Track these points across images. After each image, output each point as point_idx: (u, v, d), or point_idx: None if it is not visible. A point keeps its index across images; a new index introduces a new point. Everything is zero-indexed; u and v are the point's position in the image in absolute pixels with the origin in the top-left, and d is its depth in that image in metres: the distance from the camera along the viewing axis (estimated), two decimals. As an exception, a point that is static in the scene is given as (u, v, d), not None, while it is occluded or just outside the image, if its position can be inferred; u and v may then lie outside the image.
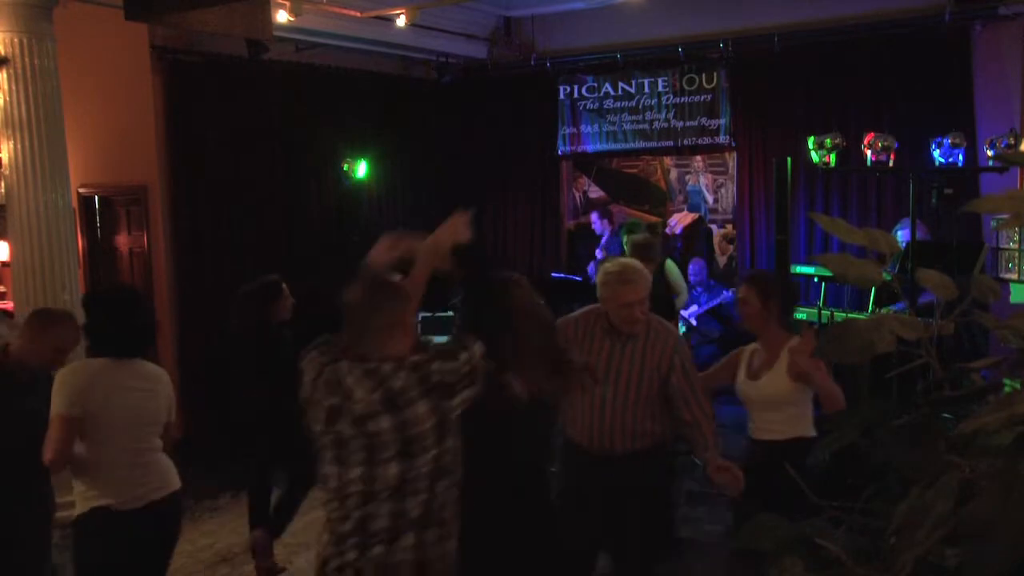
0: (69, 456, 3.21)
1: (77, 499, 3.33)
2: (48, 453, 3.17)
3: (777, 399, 3.58)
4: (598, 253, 8.61)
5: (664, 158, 10.08)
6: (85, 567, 3.33)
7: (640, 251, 5.48)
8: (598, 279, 3.74)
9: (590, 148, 9.21)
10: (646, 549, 3.70)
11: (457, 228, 2.80)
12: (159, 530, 3.42)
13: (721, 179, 10.17)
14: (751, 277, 3.89)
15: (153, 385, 3.45)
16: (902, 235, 6.37)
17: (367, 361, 2.43)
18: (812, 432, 3.58)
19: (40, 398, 3.42)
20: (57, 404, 3.20)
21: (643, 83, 8.79)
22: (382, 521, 2.41)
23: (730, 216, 9.83)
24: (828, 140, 5.96)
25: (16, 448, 3.38)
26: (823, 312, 6.69)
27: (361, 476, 2.40)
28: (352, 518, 2.43)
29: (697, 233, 10.03)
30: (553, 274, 8.94)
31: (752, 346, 3.77)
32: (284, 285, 5.15)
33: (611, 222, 9.17)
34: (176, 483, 3.51)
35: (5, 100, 5.59)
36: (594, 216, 9.31)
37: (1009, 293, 6.38)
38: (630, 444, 3.57)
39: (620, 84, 8.89)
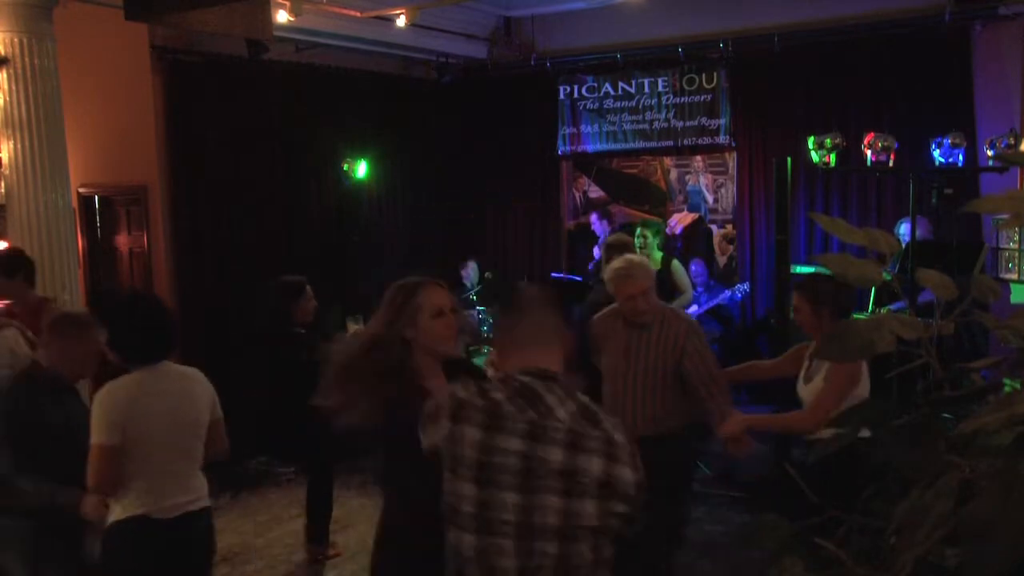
0: (113, 483, 3.14)
1: (112, 505, 3.24)
2: (91, 482, 3.10)
3: None
4: (596, 253, 8.62)
5: (664, 158, 10.07)
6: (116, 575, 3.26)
7: (612, 252, 5.48)
8: (605, 276, 4.00)
9: (590, 148, 9.21)
10: (660, 528, 3.84)
11: None
12: (191, 543, 3.32)
13: (721, 179, 10.16)
14: (801, 284, 3.91)
15: (188, 385, 3.36)
16: (906, 228, 6.36)
17: (554, 380, 2.17)
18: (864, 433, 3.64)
19: (74, 407, 3.42)
20: (97, 433, 3.10)
21: (643, 83, 8.79)
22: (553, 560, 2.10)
23: (730, 216, 9.81)
24: (828, 140, 5.95)
25: (56, 459, 3.31)
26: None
27: (558, 509, 2.08)
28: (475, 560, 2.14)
29: (697, 233, 10.02)
30: (553, 274, 8.95)
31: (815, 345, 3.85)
32: (308, 287, 5.11)
33: (611, 223, 9.19)
34: (207, 502, 3.41)
35: (5, 100, 5.59)
36: (593, 217, 9.33)
37: (1009, 293, 6.38)
38: (651, 427, 3.81)
39: (620, 84, 8.89)
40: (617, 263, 3.96)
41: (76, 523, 3.30)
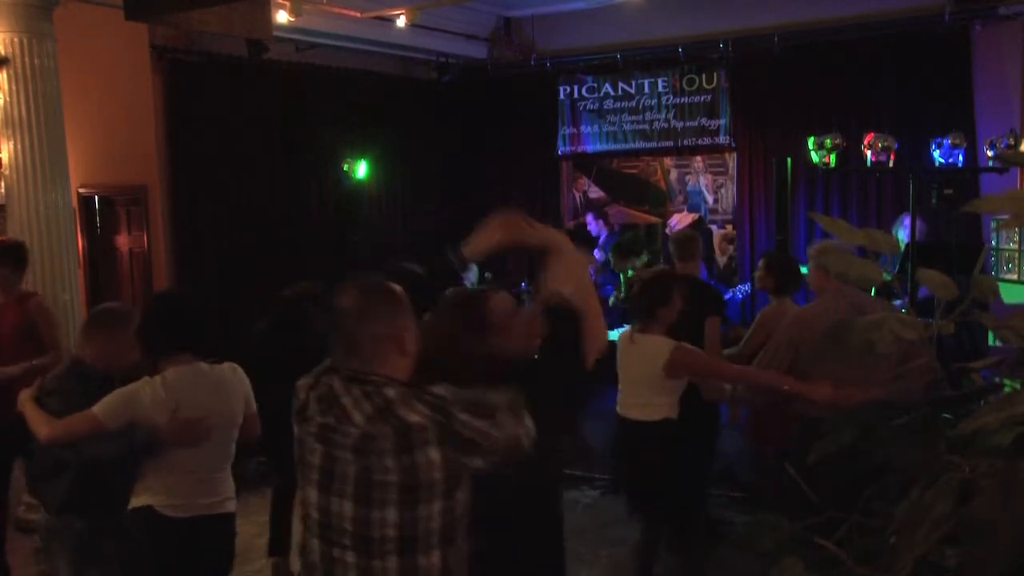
0: (63, 442, 3.14)
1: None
2: (54, 430, 3.11)
3: None
4: (597, 255, 8.59)
5: (664, 158, 10.08)
6: (126, 562, 3.25)
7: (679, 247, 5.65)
8: None
9: (590, 148, 9.21)
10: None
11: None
12: (205, 547, 3.24)
13: (721, 179, 10.16)
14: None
15: (221, 387, 3.32)
16: (903, 236, 6.36)
17: (362, 380, 2.05)
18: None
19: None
20: (103, 407, 3.10)
21: (643, 83, 8.78)
22: None
23: (730, 216, 9.82)
24: (828, 140, 5.95)
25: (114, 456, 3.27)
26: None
27: (353, 516, 2.02)
28: (319, 568, 2.08)
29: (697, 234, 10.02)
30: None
31: None
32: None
33: (607, 223, 9.19)
34: (231, 507, 3.33)
35: (5, 100, 5.59)
36: (589, 217, 9.37)
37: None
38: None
39: (620, 84, 8.89)
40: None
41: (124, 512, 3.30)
